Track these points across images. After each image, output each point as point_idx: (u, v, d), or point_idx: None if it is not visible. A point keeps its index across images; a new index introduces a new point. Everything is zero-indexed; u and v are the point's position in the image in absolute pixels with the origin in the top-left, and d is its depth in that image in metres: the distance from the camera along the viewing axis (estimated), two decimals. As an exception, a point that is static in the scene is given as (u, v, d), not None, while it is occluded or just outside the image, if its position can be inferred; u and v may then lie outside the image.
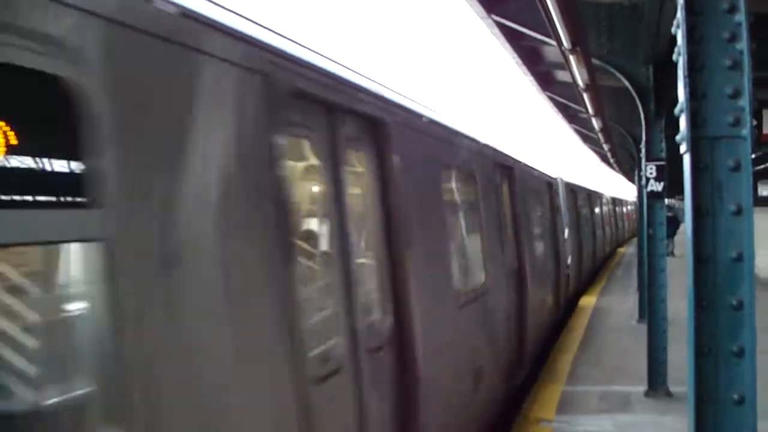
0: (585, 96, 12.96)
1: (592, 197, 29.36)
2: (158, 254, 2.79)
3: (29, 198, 2.42)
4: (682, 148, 3.60)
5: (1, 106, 2.29)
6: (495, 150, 10.19)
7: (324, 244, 4.67)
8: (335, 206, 4.63)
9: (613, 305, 19.91)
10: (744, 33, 3.39)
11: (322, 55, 4.58)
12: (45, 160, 2.46)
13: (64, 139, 2.51)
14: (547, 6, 7.53)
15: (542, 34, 10.75)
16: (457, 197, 8.05)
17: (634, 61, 11.31)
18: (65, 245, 2.70)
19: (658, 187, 11.17)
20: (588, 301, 21.20)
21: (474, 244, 8.55)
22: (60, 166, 2.53)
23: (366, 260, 5.23)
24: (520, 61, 14.62)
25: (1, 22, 2.25)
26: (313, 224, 4.76)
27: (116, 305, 2.57)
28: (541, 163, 15.95)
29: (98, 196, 2.54)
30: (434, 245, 6.60)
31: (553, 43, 9.37)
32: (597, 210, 30.92)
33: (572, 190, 21.74)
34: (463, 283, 7.80)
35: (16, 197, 2.35)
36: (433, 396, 5.85)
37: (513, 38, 12.99)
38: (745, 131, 3.40)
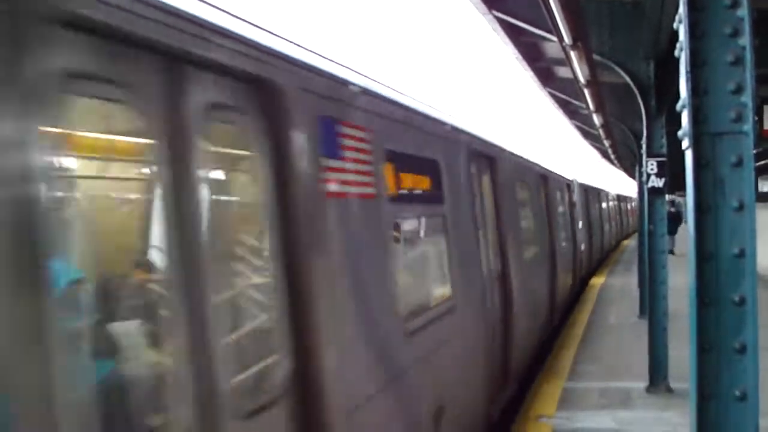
0: (586, 92, 12.95)
1: (600, 195, 32.31)
2: None
3: None
4: (684, 143, 3.59)
5: None
6: (534, 164, 13.20)
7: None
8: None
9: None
10: (746, 28, 3.38)
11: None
12: None
13: None
14: (548, 1, 7.52)
15: (543, 29, 10.75)
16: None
17: (635, 57, 11.29)
18: None
19: (658, 183, 11.17)
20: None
21: (446, 249, 6.94)
22: None
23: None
24: (520, 57, 14.61)
25: None
26: None
27: None
28: (561, 166, 19.09)
29: None
30: (361, 252, 4.90)
31: (554, 38, 9.37)
32: (604, 206, 33.83)
33: (585, 189, 24.36)
34: (418, 301, 6.21)
35: None
36: None
37: (513, 34, 12.98)
38: (747, 127, 3.39)
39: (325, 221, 4.30)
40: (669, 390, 10.54)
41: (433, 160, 6.80)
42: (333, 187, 4.43)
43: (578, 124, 26.24)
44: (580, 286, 21.47)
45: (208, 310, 3.19)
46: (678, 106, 3.64)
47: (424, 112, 6.86)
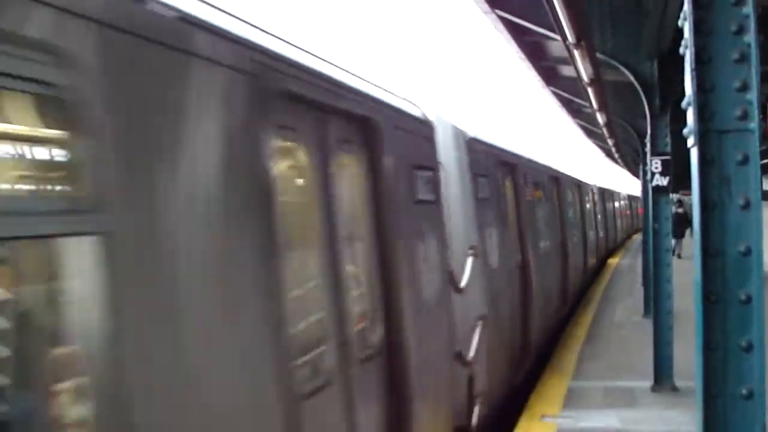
0: (589, 91, 12.92)
1: (614, 195, 38.55)
2: None
3: None
4: (690, 141, 3.58)
5: None
6: (573, 178, 18.28)
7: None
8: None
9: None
10: (752, 25, 3.37)
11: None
12: None
13: None
14: (552, 0, 7.51)
15: (546, 28, 10.72)
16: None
17: (639, 56, 11.28)
18: None
19: (663, 181, 11.14)
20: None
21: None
22: None
23: None
24: (524, 56, 14.59)
25: None
26: None
27: None
28: (584, 172, 25.75)
29: None
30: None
31: (558, 37, 9.35)
32: (617, 204, 40.21)
33: (602, 191, 29.99)
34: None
35: None
36: None
37: (517, 33, 12.96)
38: (753, 124, 3.38)
39: (414, 219, 5.76)
40: (674, 389, 10.52)
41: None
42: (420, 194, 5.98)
43: (582, 123, 26.21)
44: (602, 263, 28.98)
45: (345, 277, 4.57)
46: (683, 104, 3.63)
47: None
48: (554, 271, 14.10)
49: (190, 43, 3.02)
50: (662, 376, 10.68)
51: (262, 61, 3.61)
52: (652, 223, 11.95)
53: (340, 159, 4.69)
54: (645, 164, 17.59)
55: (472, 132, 8.73)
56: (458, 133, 8.18)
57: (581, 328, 15.88)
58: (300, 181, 4.43)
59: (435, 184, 6.54)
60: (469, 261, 7.21)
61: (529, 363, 10.70)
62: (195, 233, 2.89)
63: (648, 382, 10.72)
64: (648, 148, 11.87)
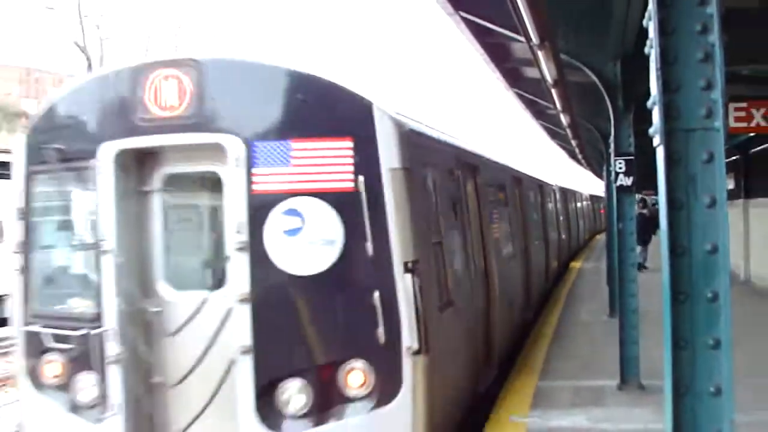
0: (553, 92, 13.00)
1: (576, 195, 38.23)
2: None
3: None
4: (656, 140, 3.59)
5: None
6: (536, 179, 19.85)
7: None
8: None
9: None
10: (716, 25, 3.40)
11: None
12: None
13: None
14: (515, 1, 7.54)
15: (510, 30, 10.77)
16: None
17: (602, 57, 11.37)
18: None
19: (627, 181, 11.23)
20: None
21: None
22: None
23: None
24: (488, 58, 14.65)
25: None
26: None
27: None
28: (545, 173, 25.59)
29: None
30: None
31: (522, 39, 9.39)
32: (579, 204, 40.05)
33: (563, 191, 29.72)
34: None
35: None
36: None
37: (481, 35, 13.01)
38: (718, 123, 3.41)
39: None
40: (641, 387, 10.61)
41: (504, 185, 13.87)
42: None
43: (546, 124, 26.37)
44: (564, 267, 28.11)
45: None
46: (649, 103, 3.65)
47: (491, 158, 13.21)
48: (517, 274, 13.62)
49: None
50: (629, 375, 10.76)
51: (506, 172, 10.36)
52: (617, 223, 12.02)
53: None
54: (609, 165, 17.72)
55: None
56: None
57: (548, 327, 15.96)
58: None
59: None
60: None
61: (493, 373, 10.34)
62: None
63: (615, 381, 10.80)
64: (612, 149, 11.97)
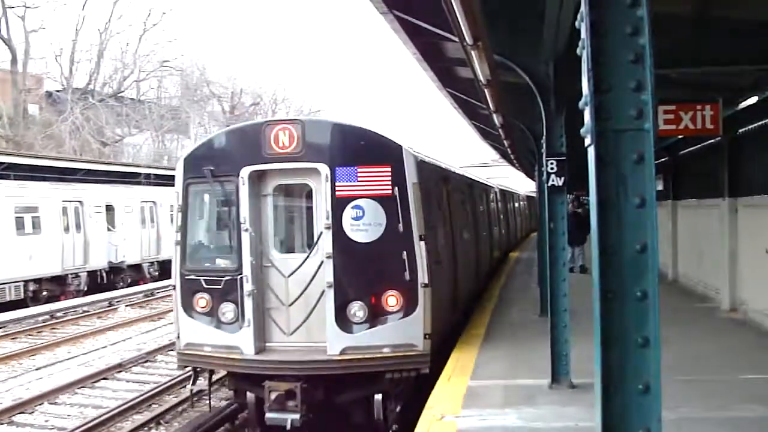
0: (486, 92, 13.10)
1: (514, 196, 44.19)
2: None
3: None
4: (587, 141, 3.63)
5: None
6: (482, 183, 25.61)
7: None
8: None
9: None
10: (646, 27, 3.45)
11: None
12: None
13: None
14: (450, 1, 7.57)
15: (444, 29, 10.81)
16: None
17: (535, 58, 11.48)
18: None
19: (558, 181, 11.37)
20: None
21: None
22: None
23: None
24: (421, 57, 14.70)
25: None
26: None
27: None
28: (483, 174, 32.40)
29: None
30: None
31: (455, 38, 9.44)
32: (517, 204, 45.82)
33: (503, 191, 33.94)
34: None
35: None
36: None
37: (414, 34, 13.04)
38: (648, 124, 3.46)
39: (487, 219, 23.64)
40: (572, 386, 10.75)
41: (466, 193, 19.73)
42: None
43: (478, 124, 26.56)
44: (504, 255, 33.72)
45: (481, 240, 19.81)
46: (580, 104, 3.68)
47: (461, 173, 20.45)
48: (472, 253, 19.08)
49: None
50: (560, 374, 10.90)
51: (465, 180, 18.39)
52: (548, 223, 12.14)
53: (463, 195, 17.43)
54: (541, 165, 17.94)
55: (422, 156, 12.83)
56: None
57: (479, 327, 16.08)
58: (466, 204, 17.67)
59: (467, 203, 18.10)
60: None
61: (460, 310, 15.89)
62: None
63: (546, 380, 10.93)
64: (544, 149, 12.09)
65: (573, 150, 11.47)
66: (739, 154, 16.49)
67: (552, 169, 11.39)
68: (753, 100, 15.64)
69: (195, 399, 13.16)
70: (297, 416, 10.92)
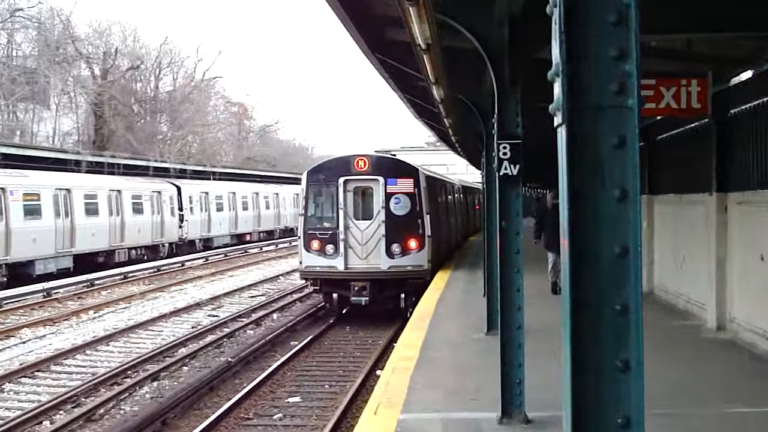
0: (425, 59, 13.13)
1: (474, 189, 63.17)
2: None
3: None
4: (557, 119, 3.66)
5: None
6: (447, 179, 46.09)
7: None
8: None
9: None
10: (630, -19, 3.47)
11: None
12: None
13: None
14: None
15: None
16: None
17: (487, 17, 11.48)
18: None
19: (513, 170, 11.45)
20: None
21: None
22: None
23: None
24: (345, 16, 14.63)
25: None
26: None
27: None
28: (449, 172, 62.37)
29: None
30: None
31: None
32: (477, 198, 62.04)
33: (463, 186, 53.83)
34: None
35: None
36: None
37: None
38: (632, 100, 3.48)
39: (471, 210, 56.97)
40: (526, 420, 10.81)
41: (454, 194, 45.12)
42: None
43: (414, 99, 26.55)
44: (464, 239, 51.88)
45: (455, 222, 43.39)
46: (549, 74, 3.70)
47: (449, 179, 46.49)
48: (446, 226, 37.39)
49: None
50: (512, 405, 10.95)
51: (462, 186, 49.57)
52: (498, 221, 12.17)
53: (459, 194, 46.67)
54: (490, 150, 18.04)
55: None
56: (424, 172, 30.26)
57: (411, 349, 16.13)
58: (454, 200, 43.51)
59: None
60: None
61: (444, 253, 35.54)
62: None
63: (495, 413, 10.99)
64: (495, 130, 12.14)
65: (530, 132, 11.57)
66: (731, 139, 16.47)
67: (505, 154, 11.47)
68: (748, 74, 15.78)
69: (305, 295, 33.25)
70: (366, 299, 27.57)
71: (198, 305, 33.25)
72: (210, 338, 25.66)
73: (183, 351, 23.67)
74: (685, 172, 19.95)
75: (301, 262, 29.34)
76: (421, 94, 23.17)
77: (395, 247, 28.29)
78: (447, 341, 17.08)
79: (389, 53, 18.58)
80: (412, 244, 28.38)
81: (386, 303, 28.96)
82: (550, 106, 3.71)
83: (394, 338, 23.01)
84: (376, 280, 28.32)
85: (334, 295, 28.98)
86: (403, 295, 28.24)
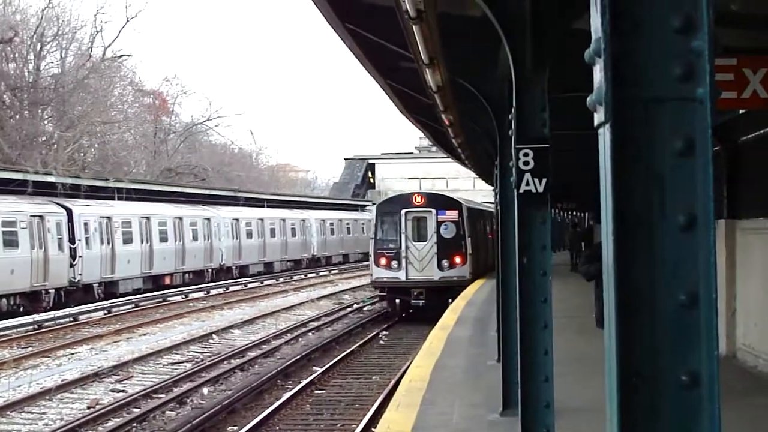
0: (415, 31, 13.18)
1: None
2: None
3: None
4: (598, 116, 3.66)
5: None
6: (484, 208, 77.42)
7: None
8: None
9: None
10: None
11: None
12: None
13: None
14: None
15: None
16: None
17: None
18: None
19: (538, 186, 11.47)
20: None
21: None
22: None
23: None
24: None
25: None
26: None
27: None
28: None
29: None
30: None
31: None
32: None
33: (489, 212, 71.54)
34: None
35: None
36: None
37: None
38: (703, 89, 3.46)
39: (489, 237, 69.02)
40: None
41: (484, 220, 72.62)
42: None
43: (399, 86, 26.45)
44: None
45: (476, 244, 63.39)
46: (587, 54, 3.70)
47: (482, 207, 75.52)
48: (484, 249, 62.44)
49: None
50: None
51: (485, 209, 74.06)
52: (518, 257, 12.19)
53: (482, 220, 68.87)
54: (504, 158, 18.04)
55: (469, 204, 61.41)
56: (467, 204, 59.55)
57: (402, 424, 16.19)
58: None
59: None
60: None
61: (482, 268, 60.73)
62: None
63: None
64: (512, 130, 12.16)
65: (559, 135, 11.55)
66: None
67: (526, 164, 11.49)
68: None
69: (377, 301, 59.46)
70: (423, 301, 52.98)
71: (97, 376, 33.02)
72: (113, 423, 25.53)
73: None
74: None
75: (372, 275, 55.45)
76: (411, 79, 23.13)
77: (444, 263, 53.82)
78: (447, 426, 17.10)
79: (365, 23, 18.61)
80: (457, 260, 53.94)
81: (438, 303, 49.58)
82: (589, 99, 3.71)
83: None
84: (430, 287, 53.31)
85: (396, 301, 54.89)
86: (450, 300, 47.83)
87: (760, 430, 15.83)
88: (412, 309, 54.83)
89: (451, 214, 55.58)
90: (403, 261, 54.13)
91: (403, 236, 54.42)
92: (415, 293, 53.95)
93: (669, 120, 3.53)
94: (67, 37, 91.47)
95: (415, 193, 58.50)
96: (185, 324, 49.99)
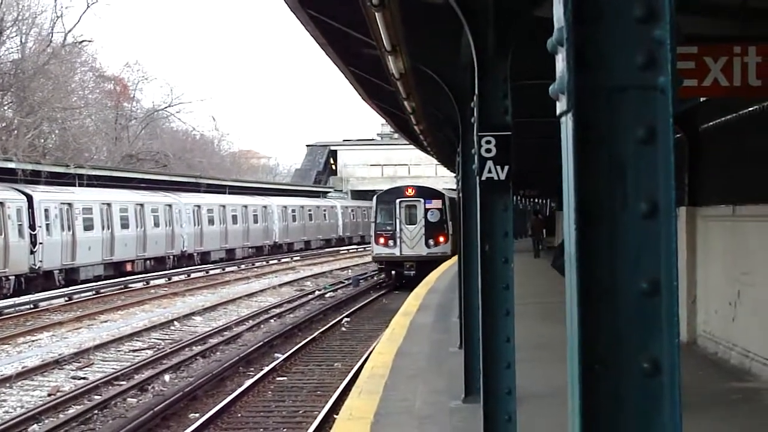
0: (377, 16, 13.14)
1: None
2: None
3: None
4: (560, 105, 3.65)
5: None
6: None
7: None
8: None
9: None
10: None
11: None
12: None
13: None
14: None
15: None
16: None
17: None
18: None
19: (500, 173, 11.46)
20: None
21: None
22: None
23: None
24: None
25: None
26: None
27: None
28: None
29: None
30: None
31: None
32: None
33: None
34: None
35: None
36: None
37: None
38: (665, 78, 3.45)
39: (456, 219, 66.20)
40: None
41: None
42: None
43: (360, 73, 26.42)
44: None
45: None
46: (549, 43, 3.69)
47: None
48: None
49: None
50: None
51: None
52: (479, 244, 12.19)
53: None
54: (467, 145, 18.06)
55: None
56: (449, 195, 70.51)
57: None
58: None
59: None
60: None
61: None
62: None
63: None
64: (474, 118, 12.14)
65: (521, 122, 11.54)
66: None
67: (488, 151, 11.47)
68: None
69: (375, 272, 76.35)
70: (413, 272, 66.40)
71: (57, 363, 33.07)
72: (74, 410, 25.46)
73: (36, 430, 23.50)
74: (744, 175, 19.96)
75: (372, 251, 70.66)
76: (373, 67, 23.09)
77: (431, 241, 67.85)
78: (410, 412, 17.11)
79: (327, 9, 18.57)
80: (441, 239, 67.96)
81: (426, 273, 58.69)
82: (551, 87, 3.70)
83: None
84: (419, 261, 66.34)
85: (393, 272, 68.71)
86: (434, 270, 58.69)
87: (719, 417, 15.86)
88: (405, 279, 67.32)
89: (436, 203, 71.29)
90: (398, 240, 69.58)
91: (397, 220, 70.05)
92: (408, 266, 69.23)
93: (631, 108, 3.52)
94: (27, 22, 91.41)
95: (407, 186, 75.31)
96: (146, 311, 49.71)
